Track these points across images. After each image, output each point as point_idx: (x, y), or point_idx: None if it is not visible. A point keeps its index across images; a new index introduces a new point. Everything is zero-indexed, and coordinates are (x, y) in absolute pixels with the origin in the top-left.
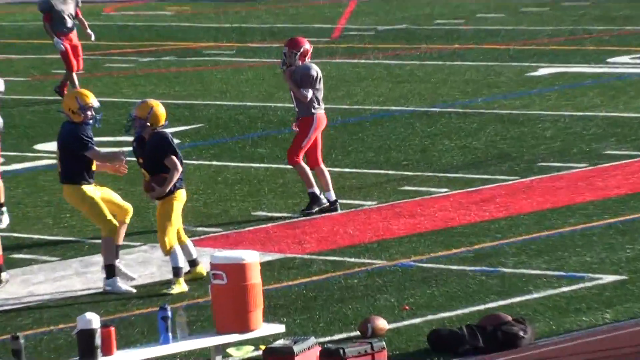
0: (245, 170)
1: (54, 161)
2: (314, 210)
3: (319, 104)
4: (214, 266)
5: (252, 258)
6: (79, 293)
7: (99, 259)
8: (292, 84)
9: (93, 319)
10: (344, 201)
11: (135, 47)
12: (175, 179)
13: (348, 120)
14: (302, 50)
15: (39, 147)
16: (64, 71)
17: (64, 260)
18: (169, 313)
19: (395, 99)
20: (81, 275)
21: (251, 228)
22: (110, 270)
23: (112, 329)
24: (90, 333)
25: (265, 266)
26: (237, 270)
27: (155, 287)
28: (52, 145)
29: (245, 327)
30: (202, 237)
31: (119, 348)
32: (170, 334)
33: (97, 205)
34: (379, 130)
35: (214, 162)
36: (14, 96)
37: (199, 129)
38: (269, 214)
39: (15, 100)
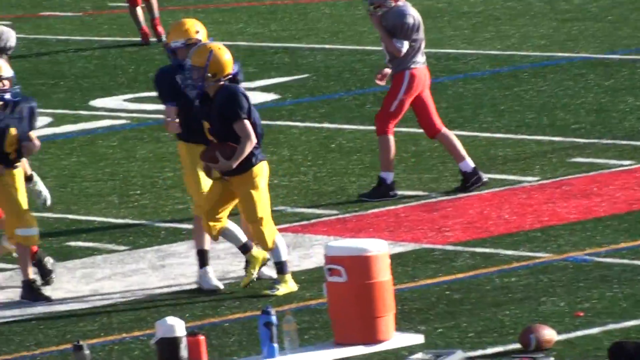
0: (366, 135)
1: (118, 121)
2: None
3: (415, 57)
4: (329, 259)
5: (379, 249)
6: (157, 292)
7: (182, 247)
8: (383, 31)
9: (176, 325)
10: (496, 176)
11: None
12: (247, 151)
13: (499, 70)
14: None
15: (96, 103)
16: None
17: (134, 250)
18: (274, 319)
19: (562, 42)
20: (158, 269)
21: (376, 210)
22: (201, 258)
23: (201, 337)
24: (173, 342)
25: (396, 259)
26: (360, 265)
27: (255, 285)
28: (113, 101)
29: (371, 337)
30: (312, 221)
31: None
32: (275, 345)
33: (196, 174)
34: (540, 83)
35: (325, 125)
36: (61, 36)
37: (303, 80)
38: (399, 192)
39: (62, 42)
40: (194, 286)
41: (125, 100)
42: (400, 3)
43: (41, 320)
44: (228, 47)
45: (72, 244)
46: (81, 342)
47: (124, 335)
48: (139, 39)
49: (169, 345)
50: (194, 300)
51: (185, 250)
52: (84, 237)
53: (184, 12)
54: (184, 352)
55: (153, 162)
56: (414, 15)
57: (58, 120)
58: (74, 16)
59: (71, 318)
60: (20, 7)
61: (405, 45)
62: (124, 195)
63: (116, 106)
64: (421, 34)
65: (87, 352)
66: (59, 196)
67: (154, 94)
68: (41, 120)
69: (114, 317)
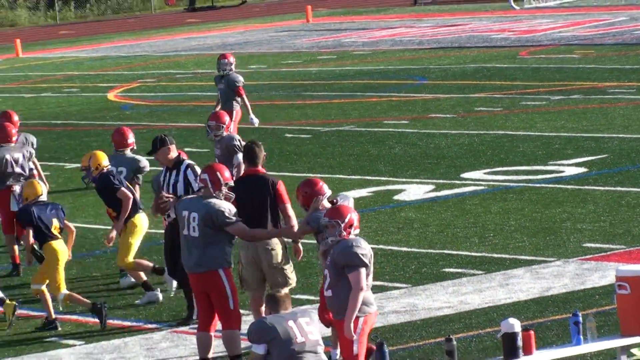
0: None
1: (480, 187)
2: None
3: None
4: (619, 278)
5: None
6: (502, 302)
7: (519, 272)
8: None
9: (515, 324)
10: None
11: (547, 87)
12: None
13: None
14: None
15: (465, 175)
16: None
17: (488, 274)
18: (580, 318)
19: None
20: (503, 287)
21: None
22: None
23: (532, 332)
24: (513, 336)
25: None
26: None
27: (568, 296)
28: (476, 174)
29: None
30: (608, 253)
31: (537, 349)
32: (581, 337)
33: None
34: None
35: (618, 188)
36: (442, 130)
37: (604, 159)
38: None
39: (443, 134)
40: (529, 297)
41: (484, 173)
42: None
43: (424, 321)
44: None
45: (446, 270)
46: (451, 336)
47: (480, 331)
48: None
49: (510, 338)
50: (527, 307)
51: (521, 274)
52: (455, 265)
53: (524, 114)
54: (519, 343)
55: (501, 214)
56: None
57: (439, 187)
58: (451, 117)
59: (444, 320)
60: (415, 112)
61: None
62: (482, 237)
63: (478, 177)
64: None
65: (454, 343)
66: (442, 239)
67: (504, 168)
68: (426, 187)
69: (473, 319)
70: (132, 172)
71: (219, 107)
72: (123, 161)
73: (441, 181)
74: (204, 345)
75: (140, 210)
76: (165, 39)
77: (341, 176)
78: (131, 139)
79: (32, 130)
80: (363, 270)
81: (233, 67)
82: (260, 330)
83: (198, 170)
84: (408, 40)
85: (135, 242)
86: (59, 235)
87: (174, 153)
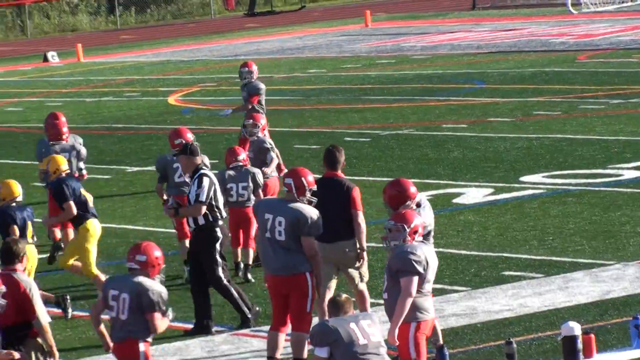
0: None
1: (539, 190)
2: None
3: None
4: None
5: None
6: (562, 305)
7: (579, 275)
8: None
9: (575, 327)
10: None
11: (606, 91)
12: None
13: None
14: None
15: (524, 179)
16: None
17: (548, 277)
18: None
19: None
20: (563, 290)
21: None
22: None
23: (592, 335)
24: (573, 339)
25: None
26: None
27: (628, 299)
28: (535, 177)
29: None
30: None
31: (597, 352)
32: None
33: None
34: None
35: None
36: (501, 134)
37: None
38: None
39: (502, 138)
40: (588, 300)
41: (543, 176)
42: None
43: (484, 324)
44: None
45: (506, 273)
46: (511, 339)
47: (540, 334)
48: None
49: (570, 341)
50: (587, 310)
51: (581, 277)
52: (514, 268)
53: (582, 118)
54: (579, 346)
55: (561, 217)
56: None
57: (498, 191)
58: (510, 121)
59: (504, 323)
60: (474, 116)
61: None
62: (541, 240)
63: (536, 180)
64: None
65: (514, 346)
66: (501, 242)
67: (563, 172)
68: (485, 191)
69: (533, 322)
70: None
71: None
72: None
73: (500, 184)
74: (274, 345)
75: (91, 216)
76: (224, 43)
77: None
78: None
79: (94, 134)
80: (414, 278)
81: (254, 75)
82: (322, 333)
83: (205, 182)
84: (467, 45)
85: (92, 247)
86: (31, 240)
87: (190, 163)
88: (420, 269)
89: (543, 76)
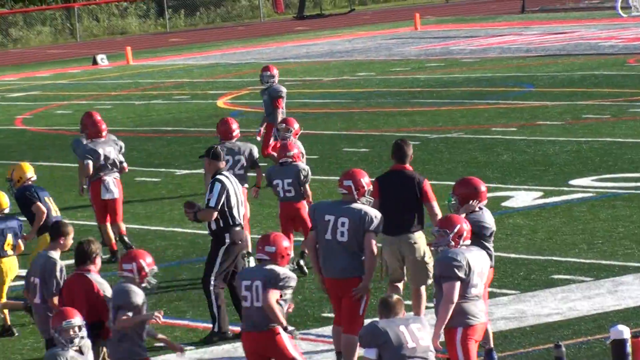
0: None
1: (588, 194)
2: None
3: None
4: None
5: None
6: (611, 308)
7: (628, 278)
8: None
9: (624, 330)
10: None
11: None
12: None
13: None
14: None
15: (573, 182)
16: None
17: (597, 280)
18: None
19: None
20: (613, 293)
21: None
22: None
23: None
24: (622, 343)
25: None
26: None
27: None
28: (584, 181)
29: None
30: None
31: None
32: None
33: None
34: None
35: None
36: (550, 138)
37: None
38: None
39: (551, 141)
40: (638, 304)
41: (592, 180)
42: None
43: (533, 328)
44: None
45: (555, 276)
46: (560, 342)
47: (589, 337)
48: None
49: (619, 345)
50: (637, 314)
51: (630, 281)
52: (563, 272)
53: (632, 121)
54: (629, 349)
55: (610, 221)
56: None
57: (547, 194)
58: (559, 124)
59: (553, 326)
60: (523, 119)
61: None
62: (590, 243)
63: (586, 184)
64: None
65: (563, 349)
66: (550, 246)
67: (612, 175)
68: (534, 194)
69: (582, 325)
70: (250, 161)
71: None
72: (239, 151)
73: (549, 188)
74: (339, 339)
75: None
76: (274, 46)
77: (449, 183)
78: (236, 130)
79: (142, 137)
80: (455, 283)
81: (276, 79)
82: (372, 334)
83: (216, 187)
84: (516, 48)
85: None
86: (10, 252)
87: (212, 167)
88: (461, 274)
89: (592, 79)
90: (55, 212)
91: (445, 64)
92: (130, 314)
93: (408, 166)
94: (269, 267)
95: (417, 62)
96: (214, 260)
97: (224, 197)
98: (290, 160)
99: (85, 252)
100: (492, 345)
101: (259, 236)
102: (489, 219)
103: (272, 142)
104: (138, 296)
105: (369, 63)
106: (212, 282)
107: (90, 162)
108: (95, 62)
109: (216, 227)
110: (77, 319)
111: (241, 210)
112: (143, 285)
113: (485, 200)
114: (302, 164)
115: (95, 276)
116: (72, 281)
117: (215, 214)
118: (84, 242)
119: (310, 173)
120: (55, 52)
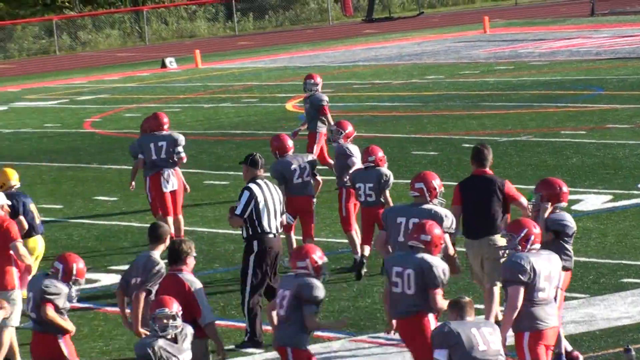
0: None
1: None
2: None
3: None
4: None
5: None
6: None
7: None
8: None
9: None
10: None
11: None
12: None
13: None
14: None
15: None
16: None
17: None
18: None
19: None
20: None
21: None
22: None
23: None
24: None
25: None
26: None
27: None
28: None
29: None
30: None
31: None
32: None
33: None
34: None
35: None
36: (620, 141)
37: None
38: None
39: (621, 145)
40: None
41: None
42: None
43: (603, 331)
44: None
45: (625, 280)
46: (629, 346)
47: None
48: None
49: None
50: None
51: None
52: (634, 275)
53: None
54: None
55: None
56: None
57: (617, 197)
58: (629, 127)
59: (623, 330)
60: (592, 122)
61: None
62: None
63: None
64: None
65: (633, 353)
66: (620, 249)
67: None
68: (604, 197)
69: None
70: (311, 167)
71: (304, 127)
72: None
73: (619, 191)
74: None
75: (35, 234)
76: (342, 49)
77: (519, 186)
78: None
79: (211, 140)
80: (519, 288)
81: (319, 87)
82: (443, 335)
83: (244, 196)
84: (585, 51)
85: (34, 264)
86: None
87: (249, 173)
88: (525, 279)
89: None
90: (38, 219)
91: (514, 67)
92: (314, 307)
93: (488, 170)
94: (420, 255)
95: (486, 65)
96: (246, 272)
97: (251, 205)
98: (372, 164)
99: (176, 252)
100: (562, 351)
101: (327, 240)
102: (570, 219)
103: (316, 150)
104: (321, 290)
105: (437, 66)
106: (247, 293)
107: (141, 157)
108: (164, 65)
109: (246, 234)
110: (172, 308)
111: (276, 218)
112: (320, 278)
113: (566, 202)
114: (384, 169)
115: (187, 275)
116: (166, 282)
117: (241, 221)
118: (175, 241)
119: (391, 178)
120: (124, 55)
